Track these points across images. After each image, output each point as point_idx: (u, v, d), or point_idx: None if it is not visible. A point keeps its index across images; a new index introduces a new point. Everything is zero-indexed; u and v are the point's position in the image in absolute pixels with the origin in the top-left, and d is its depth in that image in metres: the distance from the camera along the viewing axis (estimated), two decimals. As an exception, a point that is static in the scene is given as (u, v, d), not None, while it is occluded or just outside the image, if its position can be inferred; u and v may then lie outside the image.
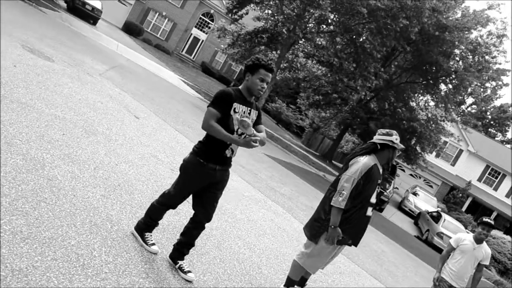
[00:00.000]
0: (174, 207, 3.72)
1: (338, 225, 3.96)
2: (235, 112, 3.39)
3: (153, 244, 3.78)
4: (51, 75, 7.67)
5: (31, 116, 5.26)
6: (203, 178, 3.50)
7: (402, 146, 4.13)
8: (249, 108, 3.50)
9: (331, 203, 3.98)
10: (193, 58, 41.10)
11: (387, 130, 4.20)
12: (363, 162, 4.02)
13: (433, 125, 25.98)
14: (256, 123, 3.57)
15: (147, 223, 3.77)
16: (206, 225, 3.78)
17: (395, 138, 4.10)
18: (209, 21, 39.85)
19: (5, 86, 5.73)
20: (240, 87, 3.53)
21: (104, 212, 3.99)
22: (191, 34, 40.32)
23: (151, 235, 3.81)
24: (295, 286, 4.41)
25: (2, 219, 3.04)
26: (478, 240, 5.25)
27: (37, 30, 11.43)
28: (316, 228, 4.15)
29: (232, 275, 4.29)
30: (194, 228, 3.70)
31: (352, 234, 4.10)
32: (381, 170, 4.17)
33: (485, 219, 5.23)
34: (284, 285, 4.44)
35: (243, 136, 3.39)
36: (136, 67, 17.20)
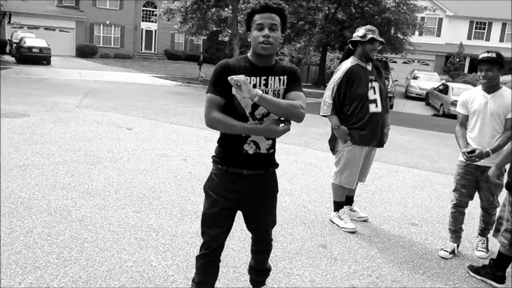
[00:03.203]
0: (210, 245, 2.55)
1: (339, 124, 4.25)
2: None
3: None
4: (33, 129, 7.64)
5: (35, 173, 5.28)
6: (228, 189, 2.48)
7: (368, 36, 4.06)
8: (264, 78, 2.39)
9: (320, 113, 4.34)
10: (154, 51, 40.44)
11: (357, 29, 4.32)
12: (340, 68, 4.23)
13: (404, 8, 25.53)
14: (288, 89, 2.43)
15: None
16: None
17: (361, 32, 4.15)
18: (153, 9, 38.90)
19: (-2, 157, 5.73)
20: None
21: (143, 225, 4.06)
22: (142, 29, 39.50)
23: None
24: (344, 207, 4.51)
25: (57, 274, 3.10)
26: (487, 88, 3.78)
27: None
28: (330, 142, 4.57)
29: (284, 223, 4.38)
30: (253, 251, 2.87)
31: (371, 130, 4.23)
32: (369, 67, 4.21)
33: (482, 55, 3.70)
34: (334, 211, 4.53)
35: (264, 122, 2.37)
36: (106, 84, 17.02)
